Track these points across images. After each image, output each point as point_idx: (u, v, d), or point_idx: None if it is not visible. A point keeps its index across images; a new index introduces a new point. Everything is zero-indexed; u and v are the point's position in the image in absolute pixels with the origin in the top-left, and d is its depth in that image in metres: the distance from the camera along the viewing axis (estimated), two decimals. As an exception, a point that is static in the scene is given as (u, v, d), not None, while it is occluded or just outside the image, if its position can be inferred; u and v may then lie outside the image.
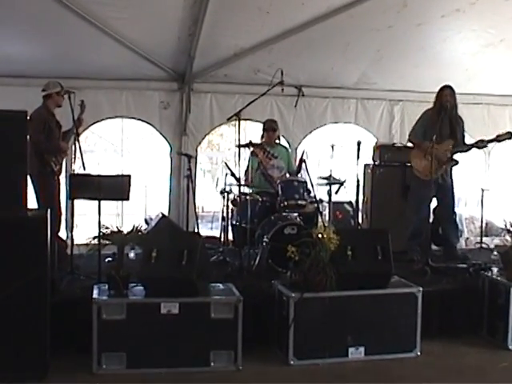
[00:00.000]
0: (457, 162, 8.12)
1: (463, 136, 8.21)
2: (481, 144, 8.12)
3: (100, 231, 6.61)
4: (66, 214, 8.36)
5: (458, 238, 7.78)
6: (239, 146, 7.75)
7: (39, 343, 5.45)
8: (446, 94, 8.14)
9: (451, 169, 8.27)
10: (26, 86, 8.75)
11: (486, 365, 6.14)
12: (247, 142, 8.04)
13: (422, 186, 8.24)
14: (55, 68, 8.72)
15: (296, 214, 7.91)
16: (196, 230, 8.83)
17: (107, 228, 6.46)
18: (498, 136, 7.99)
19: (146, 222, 8.87)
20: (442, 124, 8.11)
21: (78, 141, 7.59)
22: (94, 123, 8.43)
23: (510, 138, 7.96)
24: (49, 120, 7.62)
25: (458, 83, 9.84)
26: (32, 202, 7.45)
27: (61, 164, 7.74)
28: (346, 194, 8.61)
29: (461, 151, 8.11)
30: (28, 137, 7.44)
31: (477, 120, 8.61)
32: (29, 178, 7.33)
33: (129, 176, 7.10)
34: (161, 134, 9.79)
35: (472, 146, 8.14)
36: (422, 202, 8.30)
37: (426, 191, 8.08)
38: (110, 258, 7.08)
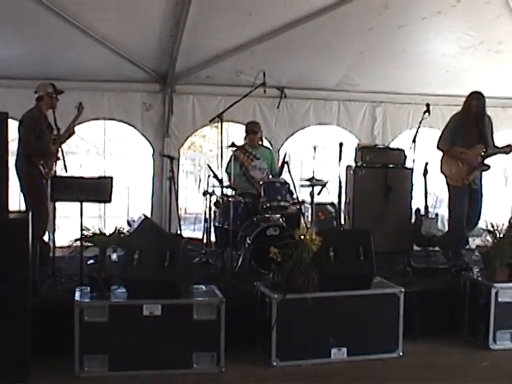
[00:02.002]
0: (489, 167, 7.99)
1: (493, 138, 8.07)
2: (508, 149, 7.98)
3: (82, 233, 6.59)
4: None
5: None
6: (221, 148, 7.76)
7: (20, 346, 5.42)
8: (474, 101, 8.00)
9: (481, 174, 8.15)
10: (7, 88, 8.70)
11: (468, 364, 6.18)
12: (229, 143, 8.05)
13: (457, 193, 8.17)
14: (37, 69, 8.70)
15: (278, 216, 7.91)
16: (179, 232, 8.81)
17: (89, 230, 6.44)
18: None
19: (129, 223, 8.85)
20: (471, 128, 8.01)
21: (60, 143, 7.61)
22: (76, 125, 8.38)
23: None
24: (40, 122, 7.57)
25: (439, 85, 9.97)
26: (21, 203, 7.48)
27: (50, 167, 7.63)
28: (329, 196, 8.63)
29: (492, 155, 8.00)
30: (18, 138, 7.48)
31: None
32: (17, 179, 7.37)
33: (111, 178, 7.08)
34: (143, 135, 9.78)
35: (500, 150, 8.00)
36: (460, 208, 8.19)
37: (462, 195, 8.09)
38: (92, 261, 7.07)
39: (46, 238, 8.02)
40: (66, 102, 7.90)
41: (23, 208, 7.67)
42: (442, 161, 8.24)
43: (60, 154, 7.68)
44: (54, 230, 7.75)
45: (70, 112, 7.95)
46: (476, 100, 7.99)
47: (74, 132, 8.02)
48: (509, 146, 7.95)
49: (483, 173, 8.10)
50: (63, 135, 7.88)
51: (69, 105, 7.92)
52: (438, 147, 8.24)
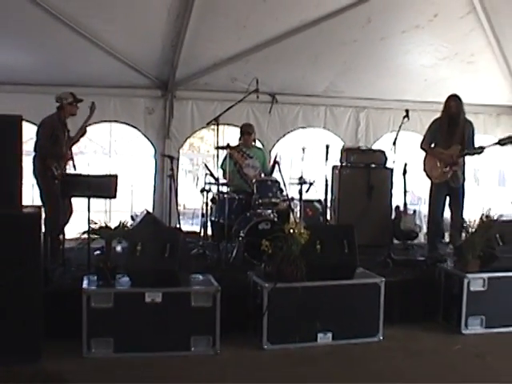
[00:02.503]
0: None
1: (472, 140, 8.06)
2: (479, 150, 8.00)
3: (89, 227, 6.59)
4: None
5: (457, 239, 7.79)
6: (217, 148, 7.78)
7: (32, 329, 5.44)
8: (451, 104, 8.04)
9: (464, 174, 8.20)
10: (22, 93, 8.68)
11: (442, 347, 6.21)
12: (225, 144, 8.05)
13: (435, 187, 8.28)
14: (49, 76, 8.70)
15: (270, 211, 7.89)
16: (178, 226, 8.80)
17: (96, 224, 6.45)
18: (500, 140, 7.93)
19: (132, 218, 8.84)
20: (449, 130, 8.04)
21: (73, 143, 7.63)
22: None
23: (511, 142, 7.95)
24: (57, 128, 7.50)
25: (417, 92, 9.99)
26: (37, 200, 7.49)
27: (63, 168, 7.57)
28: (316, 193, 8.61)
29: (467, 155, 8.01)
30: (35, 140, 7.48)
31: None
32: (33, 176, 7.36)
33: (116, 176, 7.09)
34: (146, 137, 9.76)
35: (475, 151, 8.01)
36: (437, 203, 8.32)
37: (439, 191, 8.20)
38: (98, 251, 7.06)
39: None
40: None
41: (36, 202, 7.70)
42: (424, 160, 8.31)
43: (70, 155, 7.71)
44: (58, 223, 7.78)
45: (79, 114, 7.93)
46: (453, 101, 8.02)
47: (86, 131, 8.01)
48: (480, 147, 7.99)
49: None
50: (76, 135, 7.90)
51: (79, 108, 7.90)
52: (421, 147, 8.35)
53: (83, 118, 7.87)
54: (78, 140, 8.00)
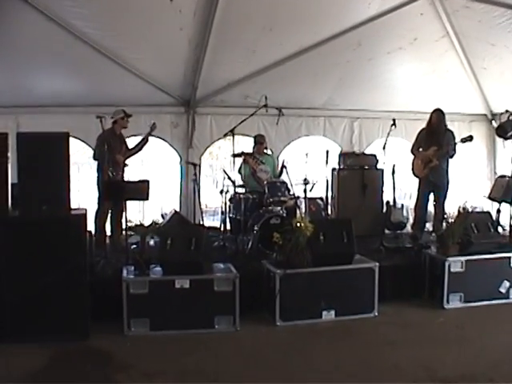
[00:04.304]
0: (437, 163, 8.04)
1: (452, 144, 8.02)
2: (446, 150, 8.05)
3: (127, 224, 6.64)
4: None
5: (439, 228, 7.82)
6: (234, 156, 7.81)
7: (82, 312, 5.52)
8: (434, 115, 8.14)
9: (447, 172, 8.22)
10: (68, 114, 8.73)
11: (427, 320, 6.23)
12: (240, 152, 8.07)
13: (420, 184, 8.39)
14: (90, 98, 8.75)
15: (279, 208, 7.88)
16: (201, 222, 8.82)
17: (132, 222, 6.49)
18: (461, 139, 7.93)
19: (162, 216, 8.84)
20: (431, 137, 8.12)
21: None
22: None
23: (470, 140, 7.92)
24: (110, 139, 7.58)
25: (401, 104, 9.98)
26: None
27: (118, 173, 7.67)
28: (318, 192, 8.63)
29: (441, 155, 8.01)
30: (93, 150, 7.73)
31: (417, 131, 8.63)
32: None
33: (148, 181, 7.11)
34: (172, 147, 9.76)
35: (445, 153, 8.05)
36: (420, 196, 8.41)
37: (423, 187, 8.31)
38: (134, 246, 7.09)
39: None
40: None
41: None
42: (412, 162, 8.35)
43: (128, 162, 7.94)
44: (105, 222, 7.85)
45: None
46: (435, 113, 8.15)
47: (147, 141, 8.21)
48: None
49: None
50: (136, 146, 8.17)
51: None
52: (411, 151, 8.46)
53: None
54: (140, 149, 8.22)
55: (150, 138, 8.30)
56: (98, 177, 7.74)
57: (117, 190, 7.04)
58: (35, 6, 7.00)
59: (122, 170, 7.84)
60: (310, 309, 6.15)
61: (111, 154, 7.54)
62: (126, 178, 7.65)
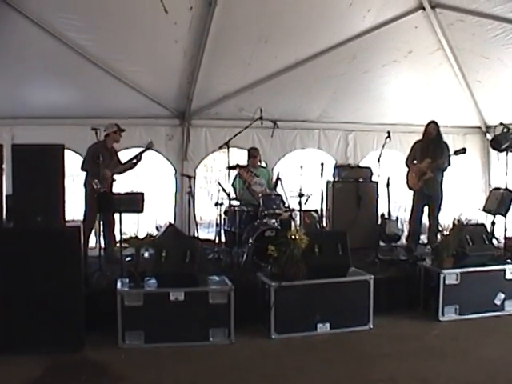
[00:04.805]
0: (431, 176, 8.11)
1: (446, 156, 8.10)
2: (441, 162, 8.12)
3: (121, 237, 6.64)
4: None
5: (434, 240, 7.86)
6: (229, 168, 7.83)
7: (77, 324, 5.52)
8: (429, 128, 8.24)
9: (441, 185, 8.27)
10: (63, 125, 8.73)
11: (422, 333, 6.24)
12: (235, 164, 8.08)
13: (414, 197, 8.44)
14: (86, 110, 8.73)
15: (274, 221, 7.89)
16: (196, 235, 8.84)
17: (127, 234, 6.50)
18: (455, 152, 8.01)
19: (157, 229, 8.82)
20: (426, 149, 8.20)
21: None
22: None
23: (464, 153, 8.00)
24: (100, 152, 7.51)
25: (396, 116, 10.04)
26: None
27: (105, 186, 7.64)
28: (313, 204, 8.65)
29: (435, 167, 8.08)
30: (82, 161, 7.69)
31: (411, 143, 8.70)
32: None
33: (142, 193, 7.11)
34: (167, 159, 9.76)
35: (441, 165, 8.11)
36: (414, 208, 8.46)
37: (417, 199, 8.36)
38: (129, 258, 7.08)
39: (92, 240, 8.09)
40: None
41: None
42: (406, 175, 8.40)
43: (116, 177, 7.94)
44: (100, 234, 7.84)
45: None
46: (430, 125, 8.25)
47: (141, 159, 8.14)
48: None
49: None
50: (127, 163, 8.10)
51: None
52: (405, 163, 8.54)
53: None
54: (132, 166, 8.16)
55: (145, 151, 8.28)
56: (84, 188, 7.74)
57: (105, 203, 7.06)
58: (29, 17, 7.05)
59: (110, 184, 7.86)
60: (304, 321, 6.15)
61: (99, 167, 7.51)
62: (115, 191, 7.66)
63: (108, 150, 7.92)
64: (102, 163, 7.39)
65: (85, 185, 7.71)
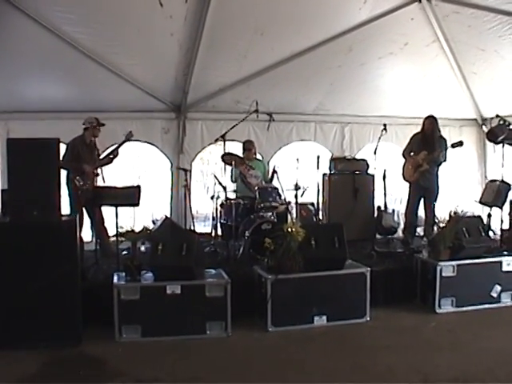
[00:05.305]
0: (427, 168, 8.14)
1: (444, 150, 8.12)
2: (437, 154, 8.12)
3: (117, 230, 6.64)
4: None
5: (430, 233, 7.87)
6: (224, 155, 7.81)
7: (74, 319, 5.51)
8: (427, 122, 8.25)
9: (437, 177, 8.29)
10: (59, 119, 8.69)
11: (420, 325, 6.26)
12: (229, 152, 8.02)
13: (410, 189, 8.47)
14: (81, 104, 8.66)
15: (270, 214, 7.90)
16: (192, 228, 8.83)
17: (123, 228, 6.49)
18: (452, 144, 8.02)
19: (153, 222, 8.81)
20: (423, 143, 8.20)
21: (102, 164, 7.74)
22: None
23: (461, 145, 8.02)
24: (80, 147, 7.50)
25: (392, 109, 10.03)
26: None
27: (87, 182, 7.50)
28: (309, 197, 8.65)
29: (431, 160, 8.10)
30: (62, 157, 7.49)
31: (407, 136, 8.70)
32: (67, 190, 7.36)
33: (139, 187, 7.10)
34: (163, 152, 9.74)
35: (437, 158, 8.12)
36: (410, 200, 8.49)
37: (413, 192, 8.39)
38: (125, 252, 7.09)
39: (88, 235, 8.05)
40: (104, 128, 7.93)
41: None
42: (402, 166, 8.40)
43: (99, 171, 7.73)
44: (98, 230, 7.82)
45: (106, 135, 7.98)
46: (428, 120, 8.26)
47: (118, 154, 7.95)
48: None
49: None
50: (105, 157, 7.90)
51: (107, 131, 7.98)
52: (402, 154, 8.55)
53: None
54: (109, 161, 7.95)
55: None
56: (67, 186, 7.48)
57: (106, 196, 7.04)
58: (25, 12, 6.99)
59: (92, 179, 7.66)
60: (301, 314, 6.17)
61: (78, 162, 7.45)
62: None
63: (87, 144, 7.74)
64: (81, 158, 7.33)
65: (67, 183, 7.47)
